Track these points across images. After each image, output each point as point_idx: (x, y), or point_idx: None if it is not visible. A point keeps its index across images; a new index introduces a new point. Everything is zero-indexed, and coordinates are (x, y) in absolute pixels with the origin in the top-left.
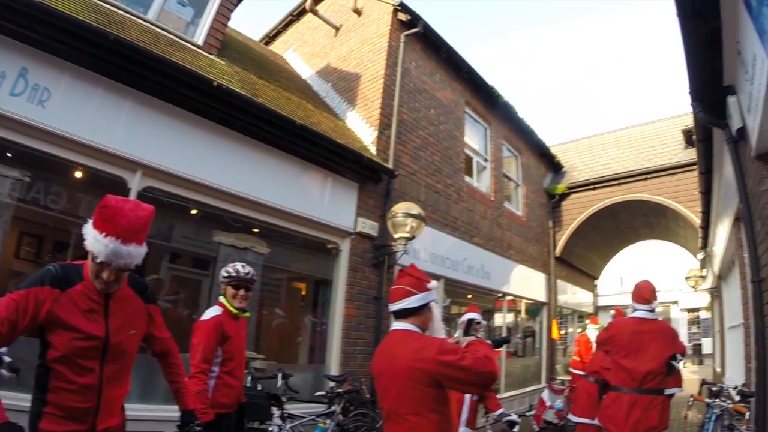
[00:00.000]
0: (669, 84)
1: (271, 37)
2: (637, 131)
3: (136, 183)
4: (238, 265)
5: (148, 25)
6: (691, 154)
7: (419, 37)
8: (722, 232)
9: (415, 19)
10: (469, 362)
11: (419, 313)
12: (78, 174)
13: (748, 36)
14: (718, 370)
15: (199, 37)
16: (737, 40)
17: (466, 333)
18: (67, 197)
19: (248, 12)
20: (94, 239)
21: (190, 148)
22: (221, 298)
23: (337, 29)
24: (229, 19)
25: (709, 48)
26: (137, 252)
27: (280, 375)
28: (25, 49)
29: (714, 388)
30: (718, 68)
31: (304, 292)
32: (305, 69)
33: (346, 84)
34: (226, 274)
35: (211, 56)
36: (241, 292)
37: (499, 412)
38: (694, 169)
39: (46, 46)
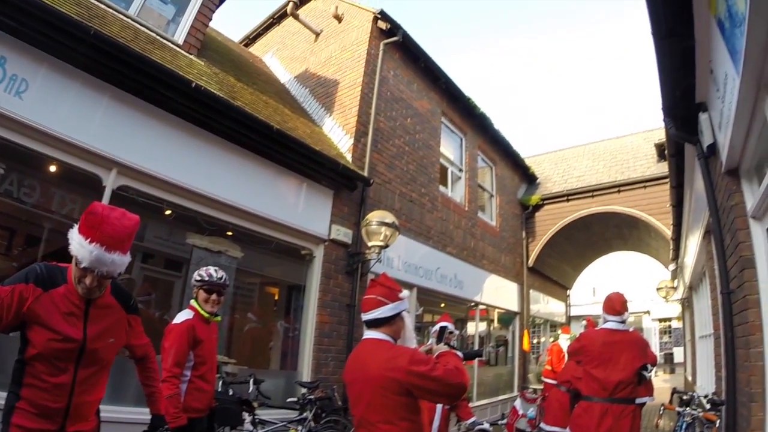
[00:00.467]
0: (642, 98)
1: (251, 39)
2: (610, 144)
3: (111, 181)
4: (211, 269)
5: (129, 21)
6: (664, 168)
7: (398, 46)
8: (693, 244)
9: (394, 28)
10: (439, 373)
11: (391, 322)
12: (53, 168)
13: (720, 55)
14: (690, 378)
15: (180, 36)
16: (710, 59)
17: (439, 341)
18: (41, 191)
19: (229, 12)
20: (78, 244)
21: (166, 149)
22: (193, 302)
23: (317, 35)
24: (210, 19)
25: (683, 66)
26: (120, 260)
27: (251, 380)
28: (3, 38)
29: (685, 397)
30: (691, 86)
31: (276, 297)
32: (284, 73)
33: (324, 90)
34: (198, 278)
35: (191, 56)
36: (214, 296)
37: (471, 420)
38: (666, 182)
39: (25, 35)
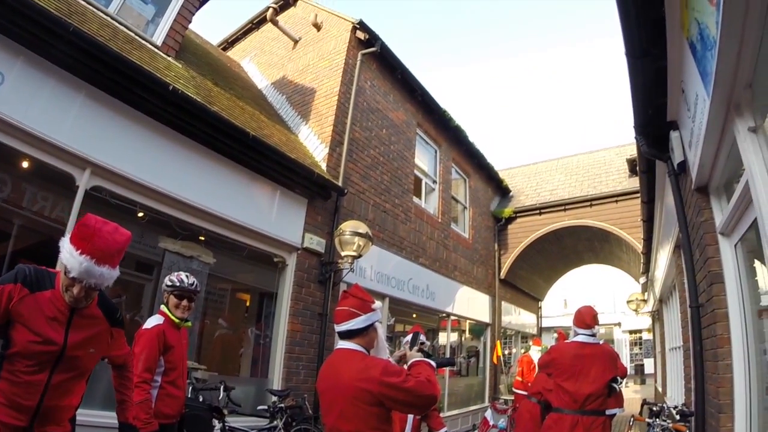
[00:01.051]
0: (615, 113)
1: (229, 43)
2: (583, 159)
3: (84, 181)
4: (183, 275)
5: (108, 19)
6: (635, 182)
7: (376, 56)
8: (663, 258)
9: (373, 39)
10: (411, 384)
11: (364, 333)
12: (25, 165)
13: (691, 76)
14: (660, 389)
15: (159, 37)
16: (681, 80)
17: (412, 345)
18: (12, 186)
19: (208, 15)
20: (69, 254)
21: (141, 151)
22: (163, 307)
23: (296, 42)
24: (189, 21)
25: (655, 85)
26: (109, 274)
27: (222, 387)
28: None
29: (655, 408)
30: (663, 104)
31: (248, 304)
32: (261, 79)
33: (301, 98)
34: (170, 283)
35: (169, 58)
36: (184, 302)
37: (443, 430)
38: (637, 197)
39: (2, 28)
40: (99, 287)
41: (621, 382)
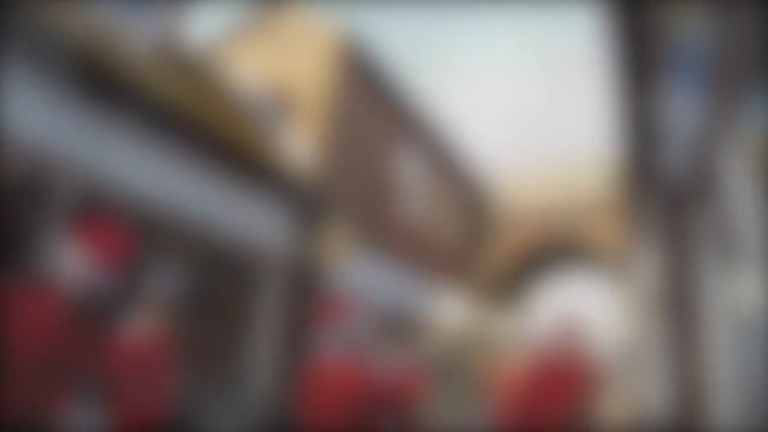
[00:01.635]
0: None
1: (216, 46)
2: (567, 164)
3: (64, 184)
4: (165, 280)
5: (96, 20)
6: (622, 189)
7: (362, 62)
8: (648, 264)
9: (358, 45)
10: (400, 391)
11: (349, 340)
12: (5, 166)
13: (677, 86)
14: (644, 396)
15: (146, 40)
16: (666, 89)
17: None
18: None
19: (196, 18)
20: (70, 259)
21: (123, 155)
22: (144, 312)
23: (283, 46)
24: (177, 24)
25: (641, 94)
26: (109, 279)
27: (204, 394)
28: None
29: (640, 414)
30: (647, 113)
31: (230, 310)
32: (247, 83)
33: (286, 102)
34: (151, 288)
35: (155, 61)
36: (165, 307)
37: None
38: (622, 204)
39: None
40: (97, 292)
41: (604, 389)
